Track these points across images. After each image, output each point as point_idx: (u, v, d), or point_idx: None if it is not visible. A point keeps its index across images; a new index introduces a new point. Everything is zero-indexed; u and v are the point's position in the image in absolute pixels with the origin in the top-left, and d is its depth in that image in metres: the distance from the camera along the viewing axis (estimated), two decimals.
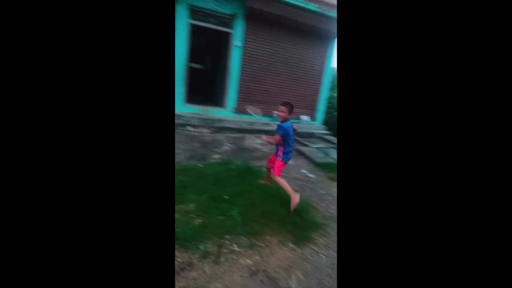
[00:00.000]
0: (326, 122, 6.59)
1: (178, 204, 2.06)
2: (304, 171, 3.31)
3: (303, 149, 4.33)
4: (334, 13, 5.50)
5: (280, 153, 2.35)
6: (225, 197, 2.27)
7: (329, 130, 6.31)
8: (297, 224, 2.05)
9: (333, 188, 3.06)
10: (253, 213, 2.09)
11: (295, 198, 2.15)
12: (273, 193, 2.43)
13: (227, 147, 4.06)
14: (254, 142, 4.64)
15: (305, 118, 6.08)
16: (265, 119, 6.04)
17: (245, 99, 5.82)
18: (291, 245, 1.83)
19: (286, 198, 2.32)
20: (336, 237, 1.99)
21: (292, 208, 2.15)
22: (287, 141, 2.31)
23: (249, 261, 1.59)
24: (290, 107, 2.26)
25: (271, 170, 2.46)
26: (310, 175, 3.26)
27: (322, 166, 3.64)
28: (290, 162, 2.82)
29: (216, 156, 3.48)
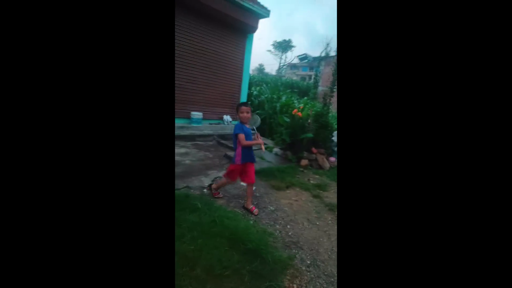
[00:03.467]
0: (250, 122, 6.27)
1: None
2: (243, 183, 2.69)
3: (232, 154, 3.70)
4: (251, 5, 5.12)
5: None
6: None
7: (253, 130, 6.05)
8: (257, 271, 1.42)
9: (282, 199, 2.60)
10: (190, 275, 1.30)
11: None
12: (217, 231, 1.69)
13: None
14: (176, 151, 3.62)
15: (227, 118, 5.48)
16: (181, 122, 5.06)
17: None
18: None
19: (236, 235, 1.64)
20: (309, 268, 1.50)
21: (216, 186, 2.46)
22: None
23: None
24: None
25: (245, 178, 2.33)
26: None
27: (260, 174, 3.14)
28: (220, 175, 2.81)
29: None
